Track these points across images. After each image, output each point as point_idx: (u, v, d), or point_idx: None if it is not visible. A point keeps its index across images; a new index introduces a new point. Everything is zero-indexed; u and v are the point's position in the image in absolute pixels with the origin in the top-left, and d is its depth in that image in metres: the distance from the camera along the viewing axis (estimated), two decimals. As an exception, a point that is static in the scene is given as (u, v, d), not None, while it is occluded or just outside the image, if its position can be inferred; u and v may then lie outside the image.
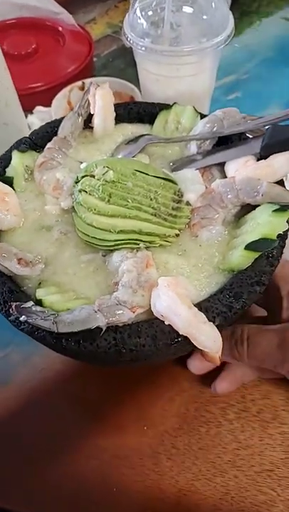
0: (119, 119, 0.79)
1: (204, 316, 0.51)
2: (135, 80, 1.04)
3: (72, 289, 0.59)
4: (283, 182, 0.63)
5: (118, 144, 0.76)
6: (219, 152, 0.70)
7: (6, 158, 0.72)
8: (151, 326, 0.52)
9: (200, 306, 0.54)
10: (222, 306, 0.54)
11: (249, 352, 0.62)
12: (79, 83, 1.08)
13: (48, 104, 1.07)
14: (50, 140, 0.75)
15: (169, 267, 0.60)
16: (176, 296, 0.50)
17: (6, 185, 0.66)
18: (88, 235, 0.61)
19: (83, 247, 0.63)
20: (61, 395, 0.76)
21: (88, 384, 0.76)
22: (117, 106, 0.79)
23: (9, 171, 0.71)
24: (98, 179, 0.62)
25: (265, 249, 0.55)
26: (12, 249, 0.60)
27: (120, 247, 0.59)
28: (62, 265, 0.62)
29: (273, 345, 0.62)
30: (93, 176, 0.63)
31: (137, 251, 0.59)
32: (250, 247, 0.55)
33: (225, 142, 0.72)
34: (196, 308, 0.51)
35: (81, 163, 0.73)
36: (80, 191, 0.63)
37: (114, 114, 0.77)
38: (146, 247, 0.60)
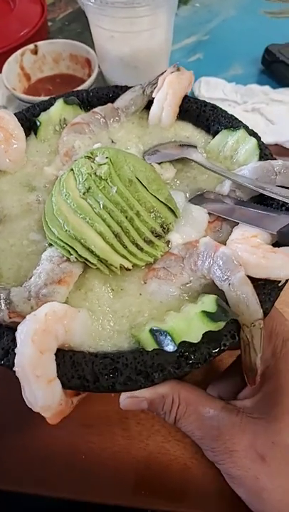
0: (186, 116, 0.67)
1: (53, 368, 0.43)
2: (92, 45, 0.94)
3: (-4, 257, 0.55)
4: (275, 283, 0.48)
5: (163, 141, 0.65)
6: (246, 209, 0.55)
7: (50, 103, 0.68)
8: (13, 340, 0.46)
9: (71, 355, 0.46)
10: (89, 373, 0.45)
11: (176, 424, 0.54)
12: (31, 46, 0.98)
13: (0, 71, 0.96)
14: (104, 104, 0.68)
15: (88, 296, 0.51)
16: (32, 330, 0.43)
17: (21, 130, 0.63)
18: (45, 216, 0.55)
19: (41, 226, 0.58)
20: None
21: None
22: (192, 101, 0.67)
23: (42, 116, 0.67)
24: (92, 167, 0.55)
25: (162, 347, 0.43)
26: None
27: (57, 246, 0.52)
28: (10, 231, 0.58)
29: (196, 437, 0.52)
30: (93, 162, 0.56)
31: (67, 261, 0.52)
32: (154, 333, 0.43)
33: (266, 201, 0.56)
34: (51, 356, 0.43)
35: (112, 142, 0.66)
36: (71, 169, 0.56)
37: (178, 110, 0.66)
38: (84, 262, 0.52)
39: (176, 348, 0.42)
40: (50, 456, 0.63)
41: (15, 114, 0.65)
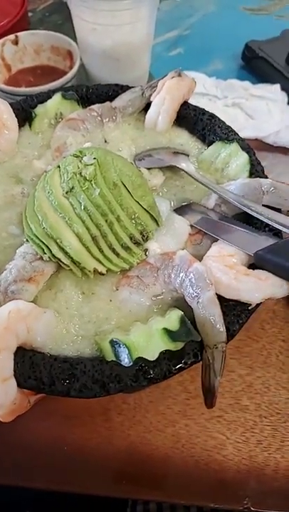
0: (182, 123, 0.66)
1: (10, 367, 0.43)
2: (73, 36, 0.93)
3: (-29, 247, 0.55)
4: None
5: (156, 146, 0.65)
6: (228, 225, 0.54)
7: (48, 95, 0.67)
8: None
9: (31, 356, 0.45)
10: (46, 376, 0.44)
11: None
12: (12, 37, 0.96)
13: (-20, 62, 0.94)
14: (103, 102, 0.68)
15: (58, 297, 0.51)
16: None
17: (14, 121, 0.63)
18: (25, 211, 0.55)
19: (22, 220, 0.57)
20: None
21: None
22: (191, 108, 0.66)
23: (39, 108, 0.66)
24: (78, 166, 0.54)
25: (119, 360, 0.42)
26: None
27: (32, 243, 0.52)
28: (-10, 221, 0.58)
29: None
30: (80, 161, 0.55)
31: (40, 259, 0.51)
32: (113, 344, 0.43)
33: (250, 219, 0.55)
34: (9, 355, 0.43)
35: (105, 141, 0.65)
36: (58, 166, 0.56)
37: (174, 116, 0.65)
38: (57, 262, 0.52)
39: (131, 362, 0.42)
40: (33, 447, 0.63)
41: (11, 104, 0.64)
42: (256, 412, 0.66)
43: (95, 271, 0.51)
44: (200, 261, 0.50)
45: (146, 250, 0.54)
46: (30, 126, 0.66)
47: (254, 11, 1.35)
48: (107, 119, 0.66)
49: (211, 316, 0.44)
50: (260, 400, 0.66)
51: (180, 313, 0.45)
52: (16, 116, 0.64)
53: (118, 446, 0.62)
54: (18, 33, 0.98)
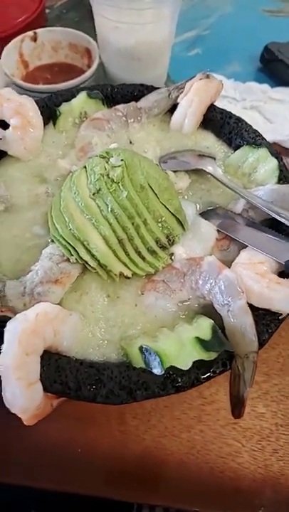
0: (208, 126, 0.65)
1: (36, 371, 0.42)
2: (90, 34, 0.93)
3: (-5, 247, 0.54)
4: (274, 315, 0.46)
5: (181, 148, 0.64)
6: (256, 232, 0.53)
7: (73, 94, 0.66)
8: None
9: (57, 359, 0.45)
10: (72, 380, 0.43)
11: None
12: (30, 33, 0.95)
13: (-1, 57, 0.93)
14: (128, 102, 0.67)
15: (83, 299, 0.50)
16: (20, 330, 0.42)
17: (40, 119, 0.62)
18: (51, 211, 0.54)
19: (46, 220, 0.56)
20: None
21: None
22: (218, 111, 0.65)
23: (64, 106, 0.65)
24: (105, 168, 0.53)
25: (150, 368, 0.42)
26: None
27: (59, 244, 0.51)
28: (15, 221, 0.57)
29: None
30: (107, 162, 0.54)
31: (67, 260, 0.50)
32: (143, 351, 0.42)
33: (278, 225, 0.54)
34: (36, 359, 0.42)
35: (130, 142, 0.64)
36: (84, 166, 0.55)
37: (201, 118, 0.64)
38: (83, 264, 0.51)
39: (163, 371, 0.41)
40: (47, 452, 0.63)
41: (36, 102, 0.63)
42: (272, 420, 0.64)
43: (121, 274, 0.51)
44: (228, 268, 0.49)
45: (171, 254, 0.53)
46: (54, 124, 0.65)
47: (273, 12, 1.33)
48: (132, 120, 0.65)
49: (243, 325, 0.43)
50: (277, 408, 0.65)
51: (211, 321, 0.44)
52: (41, 114, 0.63)
53: (133, 450, 0.61)
54: (37, 30, 0.97)
